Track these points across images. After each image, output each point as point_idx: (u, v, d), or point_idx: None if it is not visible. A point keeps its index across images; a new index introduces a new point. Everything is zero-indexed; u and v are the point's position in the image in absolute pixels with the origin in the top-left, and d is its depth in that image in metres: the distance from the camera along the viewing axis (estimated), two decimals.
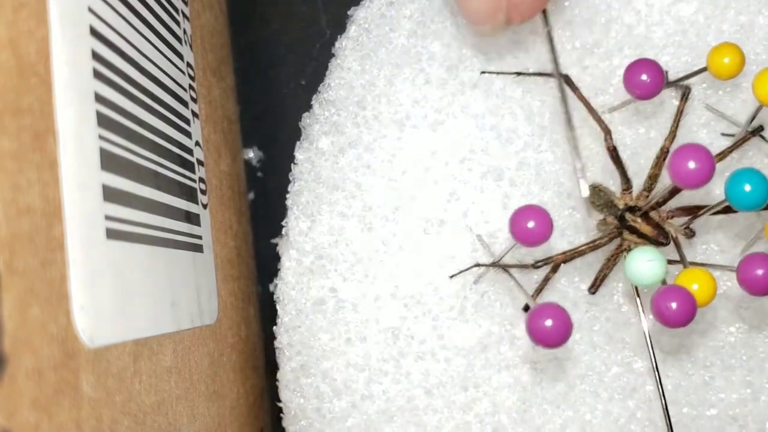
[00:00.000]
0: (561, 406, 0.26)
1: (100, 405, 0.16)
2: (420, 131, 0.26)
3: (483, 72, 0.26)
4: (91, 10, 0.17)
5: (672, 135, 0.24)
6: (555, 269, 0.24)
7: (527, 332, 0.20)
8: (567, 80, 0.24)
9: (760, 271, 0.21)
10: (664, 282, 0.21)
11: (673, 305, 0.20)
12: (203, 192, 0.25)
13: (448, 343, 0.26)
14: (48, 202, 0.15)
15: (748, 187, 0.20)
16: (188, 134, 0.24)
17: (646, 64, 0.24)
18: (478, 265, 0.25)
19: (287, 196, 0.27)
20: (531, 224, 0.21)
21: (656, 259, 0.21)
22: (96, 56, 0.17)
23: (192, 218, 0.23)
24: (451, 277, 0.26)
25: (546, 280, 0.25)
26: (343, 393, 0.26)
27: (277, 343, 0.27)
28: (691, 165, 0.19)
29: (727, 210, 0.22)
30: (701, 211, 0.23)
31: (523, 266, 0.24)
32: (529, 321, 0.20)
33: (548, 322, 0.20)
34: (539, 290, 0.25)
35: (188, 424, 0.22)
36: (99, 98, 0.17)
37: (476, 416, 0.26)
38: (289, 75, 0.31)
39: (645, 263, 0.21)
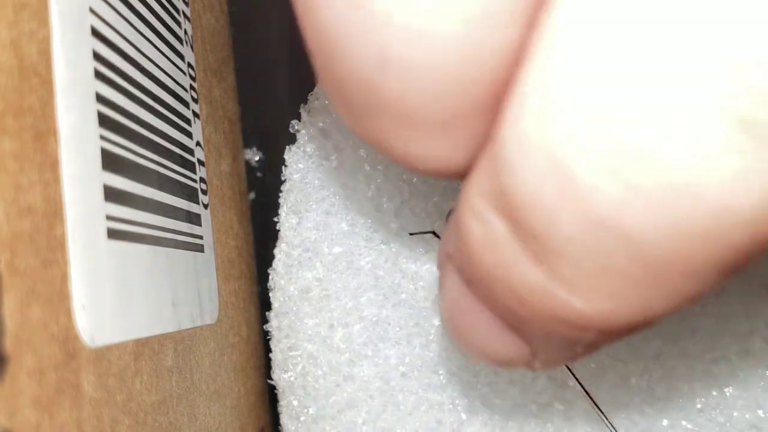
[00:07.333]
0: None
1: (101, 404, 0.16)
2: None
3: None
4: (92, 11, 0.17)
5: None
6: None
7: None
8: None
9: None
10: None
11: None
12: (204, 192, 0.25)
13: (422, 330, 0.27)
14: (49, 202, 0.15)
15: None
16: (189, 134, 0.24)
17: None
18: (433, 233, 0.27)
19: (280, 194, 0.28)
20: None
21: None
22: (97, 57, 0.17)
23: (193, 218, 0.23)
24: (411, 234, 0.27)
25: None
26: (327, 373, 0.28)
27: (267, 327, 0.28)
28: None
29: None
30: None
31: None
32: None
33: None
34: None
35: (189, 423, 0.22)
36: (100, 98, 0.17)
37: (449, 398, 0.27)
38: (289, 75, 0.31)
39: None
